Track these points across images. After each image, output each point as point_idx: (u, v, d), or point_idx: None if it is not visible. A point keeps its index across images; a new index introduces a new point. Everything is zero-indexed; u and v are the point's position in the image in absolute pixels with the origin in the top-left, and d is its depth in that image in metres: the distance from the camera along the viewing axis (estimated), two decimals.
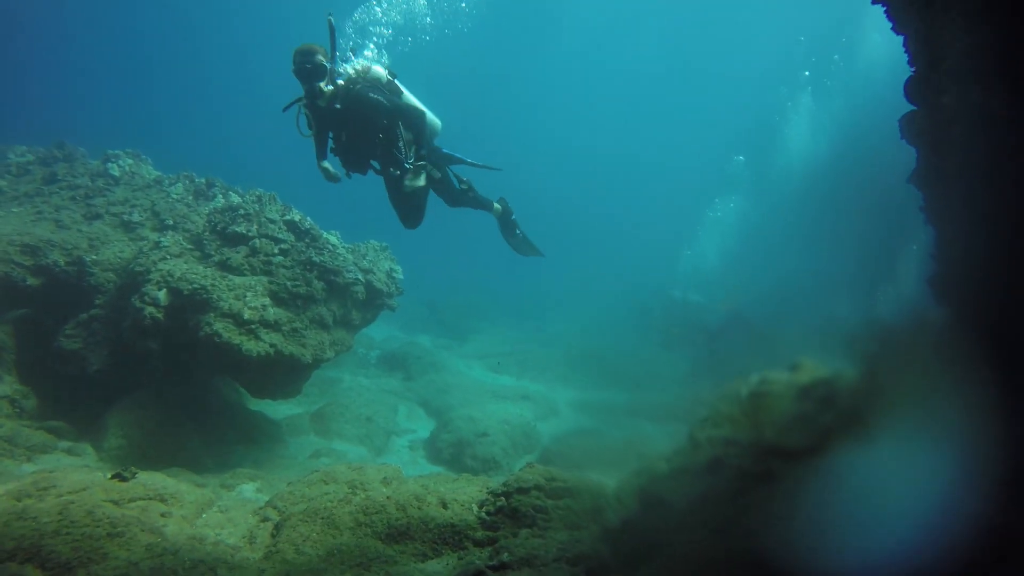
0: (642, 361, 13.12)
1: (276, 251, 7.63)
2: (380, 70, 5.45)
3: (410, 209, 5.84)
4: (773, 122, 21.09)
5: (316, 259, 7.74)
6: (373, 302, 8.39)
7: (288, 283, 7.35)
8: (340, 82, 5.15)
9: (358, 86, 5.22)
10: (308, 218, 8.20)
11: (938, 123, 2.76)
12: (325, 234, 8.27)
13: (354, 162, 5.51)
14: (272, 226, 7.78)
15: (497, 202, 6.60)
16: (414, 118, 5.46)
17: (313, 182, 6.88)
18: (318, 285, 7.57)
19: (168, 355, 6.86)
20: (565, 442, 9.06)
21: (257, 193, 8.29)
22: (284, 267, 7.54)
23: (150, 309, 6.61)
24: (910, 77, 3.64)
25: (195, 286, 6.76)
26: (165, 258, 7.08)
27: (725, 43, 38.46)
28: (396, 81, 5.57)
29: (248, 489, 5.84)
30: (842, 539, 2.02)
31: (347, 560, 3.85)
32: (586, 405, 11.71)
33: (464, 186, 6.18)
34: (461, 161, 6.27)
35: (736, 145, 23.29)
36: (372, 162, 5.58)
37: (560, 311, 20.35)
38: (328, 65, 5.04)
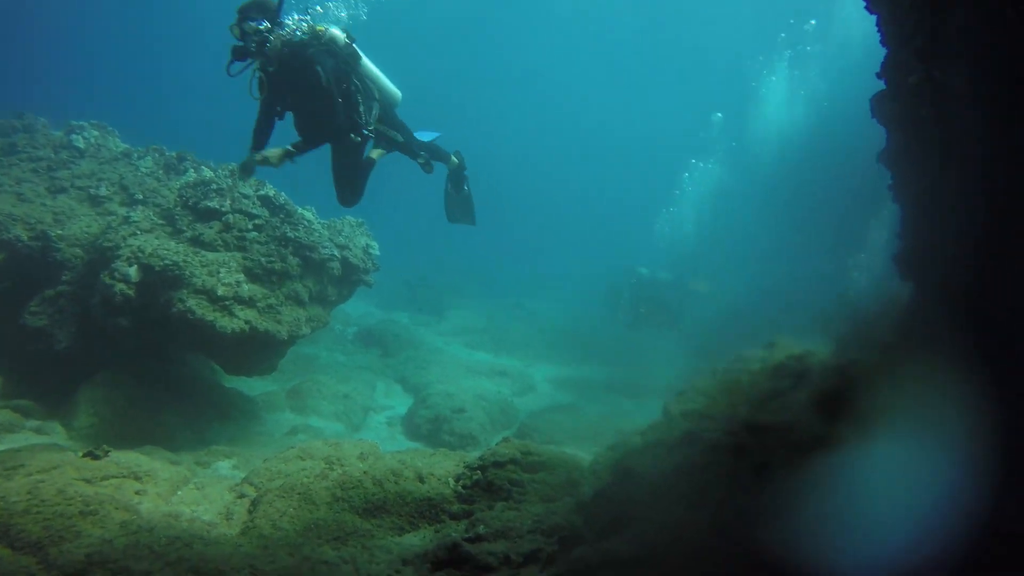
0: (619, 338, 13.26)
1: (250, 226, 7.50)
2: (338, 32, 5.20)
3: (354, 183, 5.61)
4: (749, 87, 20.83)
5: (291, 235, 7.64)
6: (349, 278, 8.32)
7: (263, 259, 7.26)
8: (271, 36, 4.75)
9: (311, 50, 4.93)
10: (283, 193, 8.06)
11: (906, 103, 2.81)
12: (300, 209, 8.15)
13: (309, 128, 5.22)
14: (246, 201, 7.64)
15: (454, 154, 6.55)
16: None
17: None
18: (293, 261, 7.48)
19: (140, 332, 6.75)
20: (542, 417, 9.17)
21: (230, 167, 8.11)
22: (258, 243, 7.43)
23: (120, 286, 6.48)
24: (885, 57, 3.67)
25: (167, 262, 6.63)
26: (135, 233, 6.92)
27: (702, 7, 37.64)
28: (354, 45, 5.32)
29: (224, 466, 5.82)
30: (822, 525, 2.06)
31: (324, 534, 3.88)
32: (563, 381, 11.84)
33: (421, 160, 6.08)
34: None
35: (714, 103, 22.91)
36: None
37: (538, 288, 20.42)
38: (253, 24, 4.67)
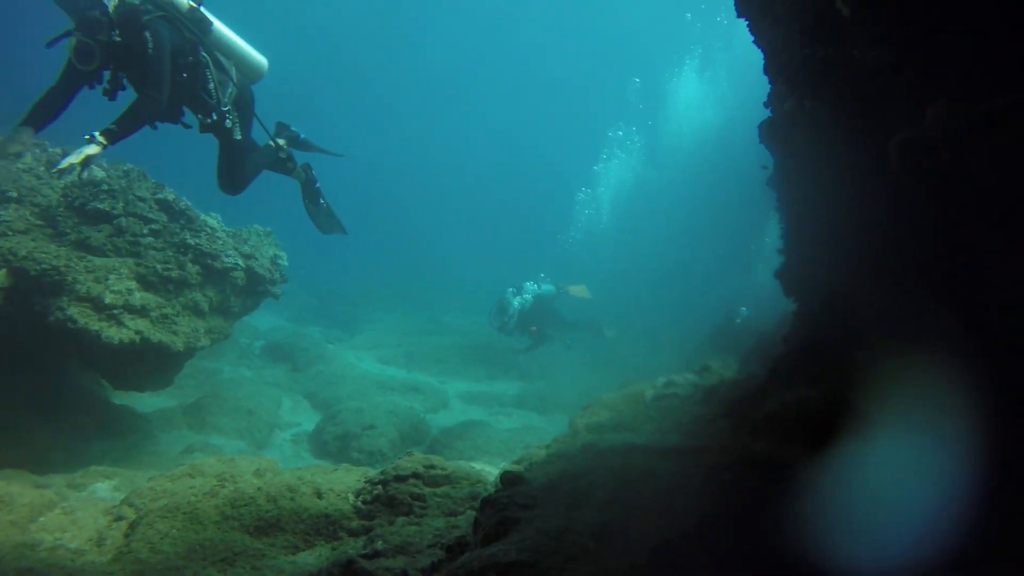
0: (530, 354, 13.27)
1: (146, 231, 7.04)
2: None
3: (232, 173, 5.02)
4: (663, 78, 21.25)
5: (191, 241, 7.23)
6: (254, 289, 7.96)
7: (158, 266, 6.82)
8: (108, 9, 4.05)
9: (145, 17, 4.20)
10: (184, 198, 7.63)
11: (783, 128, 3.03)
12: (203, 216, 7.74)
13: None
14: (141, 204, 7.17)
15: (301, 168, 5.84)
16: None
17: (195, 160, 6.19)
18: (192, 269, 7.08)
19: (8, 342, 6.14)
20: (454, 433, 9.08)
21: (124, 168, 7.59)
22: (154, 249, 6.98)
23: None
24: (770, 88, 3.97)
25: (45, 266, 6.09)
26: (6, 234, 6.31)
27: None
28: (202, 10, 4.64)
29: (103, 488, 5.35)
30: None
31: (209, 556, 3.64)
32: (476, 396, 11.78)
33: (283, 155, 5.39)
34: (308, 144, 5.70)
35: (633, 70, 23.01)
36: (183, 107, 4.67)
37: (454, 300, 20.27)
38: (93, 12, 4.01)
